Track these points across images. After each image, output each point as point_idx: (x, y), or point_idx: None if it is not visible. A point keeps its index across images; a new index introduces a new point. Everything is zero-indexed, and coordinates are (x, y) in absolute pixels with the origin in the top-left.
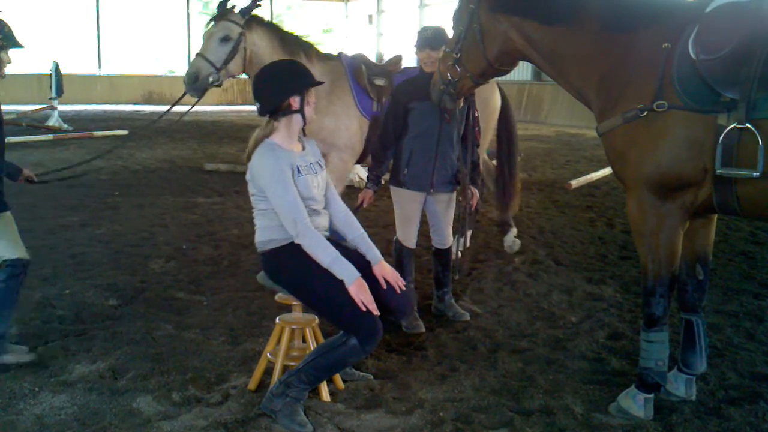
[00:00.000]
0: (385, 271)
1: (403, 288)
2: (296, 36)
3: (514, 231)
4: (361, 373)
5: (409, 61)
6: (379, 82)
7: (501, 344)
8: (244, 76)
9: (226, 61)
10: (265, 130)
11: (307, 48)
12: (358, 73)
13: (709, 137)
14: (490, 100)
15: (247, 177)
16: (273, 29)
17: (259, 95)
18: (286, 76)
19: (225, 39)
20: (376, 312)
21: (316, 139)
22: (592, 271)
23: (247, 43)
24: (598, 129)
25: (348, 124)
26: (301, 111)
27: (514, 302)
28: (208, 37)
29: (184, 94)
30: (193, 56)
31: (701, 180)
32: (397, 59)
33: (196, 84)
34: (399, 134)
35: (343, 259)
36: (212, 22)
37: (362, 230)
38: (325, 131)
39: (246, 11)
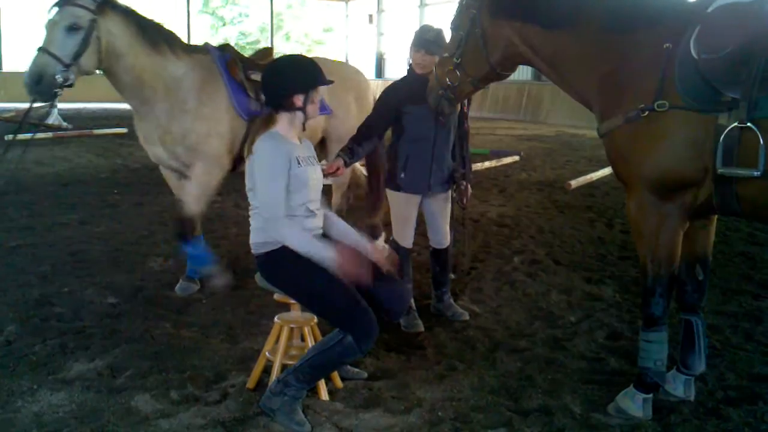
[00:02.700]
0: (377, 253)
1: (395, 276)
2: (157, 24)
3: (383, 236)
4: (356, 370)
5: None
6: (257, 77)
7: (500, 344)
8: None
9: (77, 55)
10: (267, 122)
11: (170, 38)
12: (233, 68)
13: (709, 137)
14: (364, 95)
15: (247, 168)
16: (130, 15)
17: (264, 88)
18: (293, 73)
19: (73, 28)
20: (368, 282)
21: (182, 145)
22: (591, 271)
23: (101, 32)
24: (599, 129)
25: (221, 130)
26: (303, 109)
27: (513, 302)
28: (51, 26)
29: (34, 101)
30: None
31: (702, 180)
32: (267, 52)
33: (41, 86)
34: (381, 133)
35: (315, 240)
36: (55, 9)
37: (345, 223)
38: (194, 136)
39: None
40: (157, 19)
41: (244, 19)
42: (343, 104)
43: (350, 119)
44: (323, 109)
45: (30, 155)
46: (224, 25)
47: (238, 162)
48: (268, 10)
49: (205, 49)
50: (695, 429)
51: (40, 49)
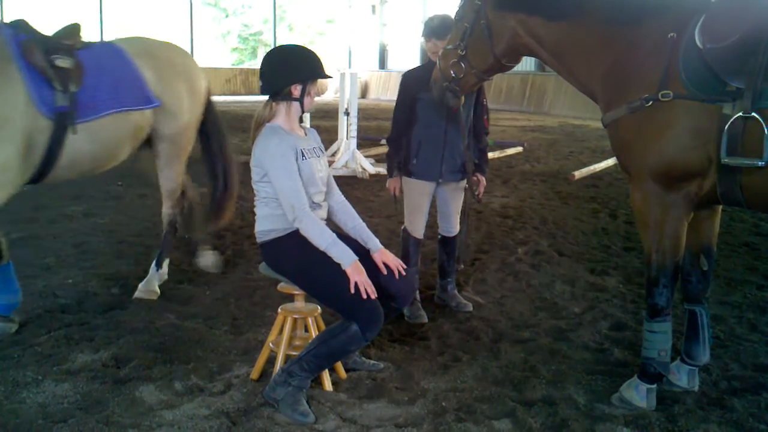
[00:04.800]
0: (386, 257)
1: (404, 273)
2: None
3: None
4: (371, 362)
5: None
6: (64, 63)
7: (504, 334)
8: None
9: None
10: (265, 113)
11: None
12: (30, 51)
13: (713, 127)
14: (196, 83)
15: (252, 162)
16: None
17: (263, 75)
18: (293, 63)
19: None
20: (374, 295)
21: None
22: (595, 261)
23: None
24: (603, 120)
25: (12, 133)
26: (300, 100)
27: (516, 293)
28: None
29: None
30: (195, 49)
31: (706, 170)
32: (75, 30)
33: None
34: (410, 122)
35: (341, 242)
36: None
37: (360, 220)
38: None
39: None
40: None
41: (247, 10)
42: (174, 95)
43: (182, 114)
44: (150, 101)
45: None
46: (227, 16)
47: (44, 172)
48: (270, 1)
49: None
50: (699, 419)
51: None
